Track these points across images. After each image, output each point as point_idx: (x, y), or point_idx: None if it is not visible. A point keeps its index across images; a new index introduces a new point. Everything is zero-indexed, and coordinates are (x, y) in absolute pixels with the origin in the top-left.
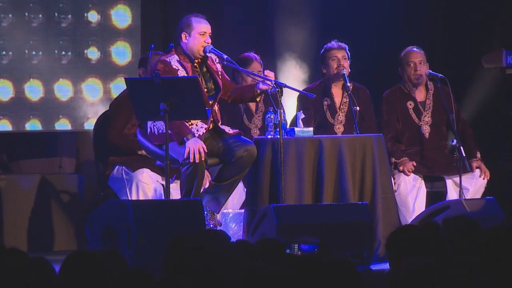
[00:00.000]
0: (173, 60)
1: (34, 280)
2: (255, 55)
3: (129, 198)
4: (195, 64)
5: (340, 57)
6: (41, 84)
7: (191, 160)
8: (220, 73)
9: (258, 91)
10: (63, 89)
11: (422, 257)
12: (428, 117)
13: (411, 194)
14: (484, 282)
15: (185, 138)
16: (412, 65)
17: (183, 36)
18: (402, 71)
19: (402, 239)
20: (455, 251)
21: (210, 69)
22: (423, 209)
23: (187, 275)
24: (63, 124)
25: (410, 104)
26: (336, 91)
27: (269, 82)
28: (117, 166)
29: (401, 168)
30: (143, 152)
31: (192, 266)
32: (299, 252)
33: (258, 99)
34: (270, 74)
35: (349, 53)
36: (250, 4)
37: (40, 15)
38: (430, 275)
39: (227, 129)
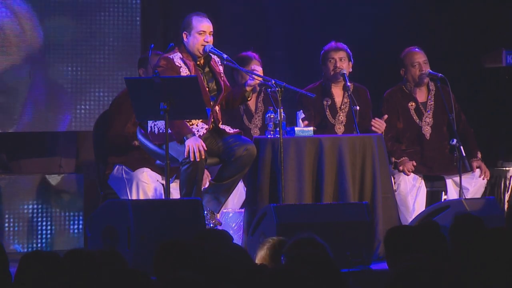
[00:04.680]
0: (176, 57)
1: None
2: (254, 54)
3: (129, 198)
4: (198, 63)
5: (337, 59)
6: None
7: (191, 159)
8: (222, 76)
9: (247, 88)
10: None
11: (420, 255)
12: (429, 118)
13: (411, 194)
14: (482, 281)
15: (184, 137)
16: (417, 65)
17: (184, 35)
18: (405, 72)
19: (399, 237)
20: (459, 249)
21: (213, 70)
22: (423, 208)
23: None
24: None
25: (412, 105)
26: (337, 91)
27: (258, 79)
28: (117, 166)
29: (401, 168)
30: (136, 143)
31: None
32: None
33: (249, 98)
34: (257, 68)
35: (350, 53)
36: (249, 3)
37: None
38: (427, 272)
39: (227, 128)
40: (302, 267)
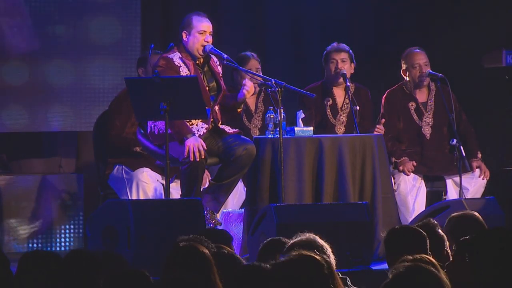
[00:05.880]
0: (175, 57)
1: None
2: (252, 53)
3: (129, 198)
4: (198, 63)
5: (339, 60)
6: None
7: (191, 159)
8: (221, 76)
9: (239, 101)
10: None
11: (420, 255)
12: (429, 118)
13: (411, 194)
14: (482, 281)
15: (184, 138)
16: (417, 67)
17: (183, 34)
18: (405, 72)
19: (399, 237)
20: (459, 249)
21: (212, 70)
22: (423, 208)
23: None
24: None
25: (412, 105)
26: (338, 91)
27: (258, 78)
28: (117, 166)
29: (401, 168)
30: (138, 148)
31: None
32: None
33: (239, 110)
34: (248, 83)
35: (352, 54)
36: (249, 3)
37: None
38: (427, 272)
39: (227, 128)
40: (300, 267)
